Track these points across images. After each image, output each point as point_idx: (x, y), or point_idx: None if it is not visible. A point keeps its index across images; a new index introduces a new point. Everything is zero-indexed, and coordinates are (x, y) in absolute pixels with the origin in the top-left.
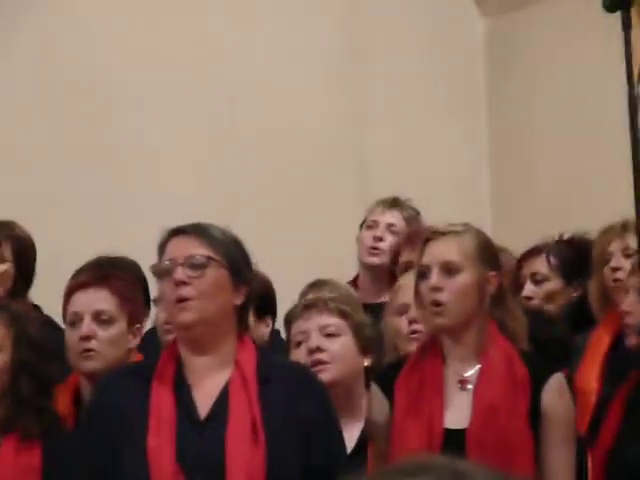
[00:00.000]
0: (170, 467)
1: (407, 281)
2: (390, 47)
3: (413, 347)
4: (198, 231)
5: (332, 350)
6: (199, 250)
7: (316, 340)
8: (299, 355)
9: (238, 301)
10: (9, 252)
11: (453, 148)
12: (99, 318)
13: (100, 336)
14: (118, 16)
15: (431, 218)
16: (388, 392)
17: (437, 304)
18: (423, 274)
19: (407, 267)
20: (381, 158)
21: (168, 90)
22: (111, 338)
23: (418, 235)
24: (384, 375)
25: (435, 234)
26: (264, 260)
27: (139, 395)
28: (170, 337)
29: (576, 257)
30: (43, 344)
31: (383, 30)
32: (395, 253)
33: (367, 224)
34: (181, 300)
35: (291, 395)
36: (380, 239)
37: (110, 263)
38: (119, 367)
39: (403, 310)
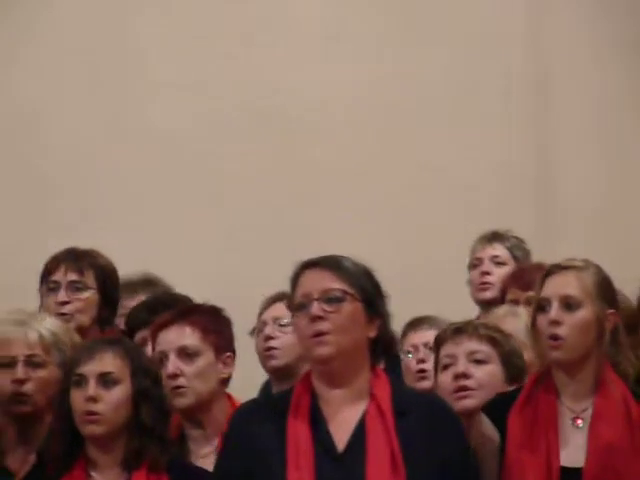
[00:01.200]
0: None
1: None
2: (573, 76)
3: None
4: (332, 264)
5: (478, 377)
6: (334, 284)
7: (463, 366)
8: (444, 378)
9: (372, 334)
10: (92, 280)
11: None
12: (184, 354)
13: (187, 372)
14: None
15: (624, 250)
16: (497, 423)
17: (555, 338)
18: (542, 307)
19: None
20: (567, 190)
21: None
22: (198, 372)
23: (523, 273)
24: (494, 406)
25: (556, 268)
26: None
27: (275, 428)
28: (274, 363)
29: None
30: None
31: (566, 59)
32: (502, 291)
33: (472, 263)
34: (318, 334)
35: (428, 427)
36: (487, 273)
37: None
38: (252, 400)
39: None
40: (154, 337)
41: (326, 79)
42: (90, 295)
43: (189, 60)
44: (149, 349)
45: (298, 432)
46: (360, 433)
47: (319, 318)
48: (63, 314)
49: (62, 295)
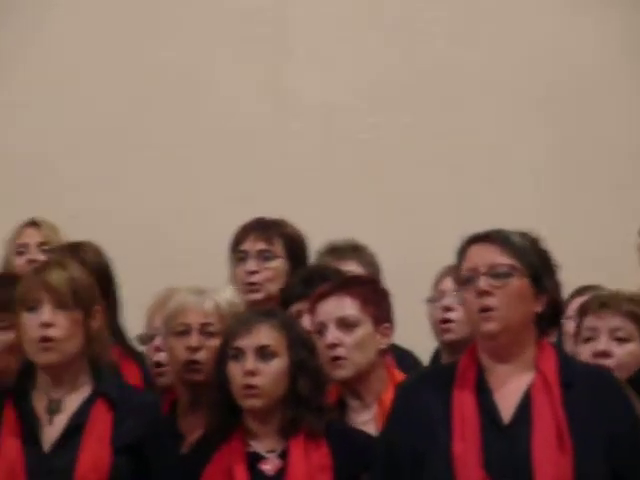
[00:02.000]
0: (477, 472)
1: None
2: None
3: None
4: (500, 238)
5: (619, 356)
6: (502, 259)
7: (604, 344)
8: (584, 352)
9: (539, 309)
10: (281, 249)
11: None
12: (343, 324)
13: (346, 342)
14: None
15: None
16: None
17: None
18: None
19: None
20: None
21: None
22: (357, 342)
23: None
24: (637, 379)
25: None
26: None
27: (440, 399)
28: (450, 336)
29: None
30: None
31: None
32: None
33: None
34: (485, 310)
35: (595, 400)
36: None
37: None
38: (418, 372)
39: None
40: (313, 308)
41: None
42: (279, 264)
43: None
44: (304, 321)
45: (464, 402)
46: (526, 405)
47: (486, 293)
48: (252, 283)
49: (251, 264)
